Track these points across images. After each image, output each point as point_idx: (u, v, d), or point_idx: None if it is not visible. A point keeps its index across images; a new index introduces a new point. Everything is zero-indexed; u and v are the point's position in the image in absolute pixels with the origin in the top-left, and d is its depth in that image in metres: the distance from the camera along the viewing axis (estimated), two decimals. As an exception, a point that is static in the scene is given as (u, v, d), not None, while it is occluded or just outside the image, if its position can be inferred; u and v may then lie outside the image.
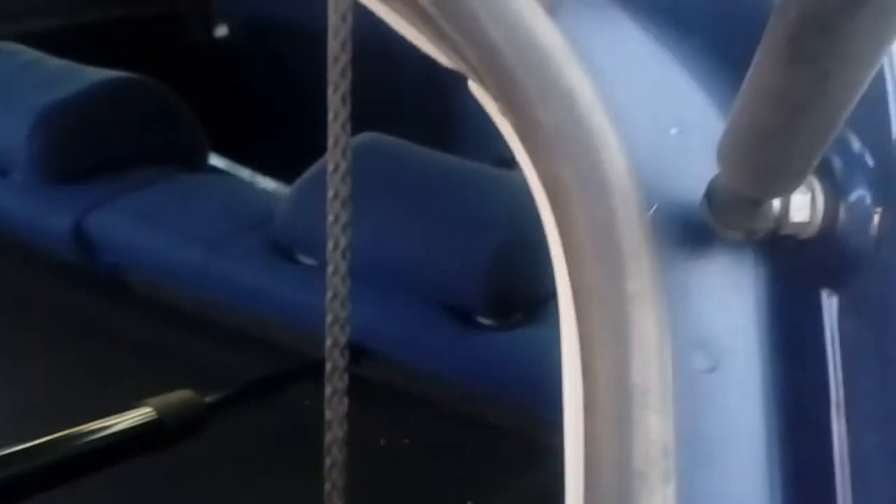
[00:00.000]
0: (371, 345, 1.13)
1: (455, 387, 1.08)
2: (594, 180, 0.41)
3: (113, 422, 0.76)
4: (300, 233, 1.15)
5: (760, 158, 0.36)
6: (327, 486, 0.27)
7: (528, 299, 1.09)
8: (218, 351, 1.11)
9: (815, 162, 0.37)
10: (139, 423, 0.76)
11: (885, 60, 0.44)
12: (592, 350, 0.42)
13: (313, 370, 1.15)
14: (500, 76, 0.41)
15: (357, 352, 1.16)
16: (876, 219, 0.41)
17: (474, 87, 0.49)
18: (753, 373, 0.44)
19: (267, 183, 1.85)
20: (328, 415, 0.27)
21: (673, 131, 0.45)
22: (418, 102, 1.71)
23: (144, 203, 1.29)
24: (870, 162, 0.42)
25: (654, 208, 0.43)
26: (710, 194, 0.42)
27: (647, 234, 0.42)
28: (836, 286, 0.42)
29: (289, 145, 1.49)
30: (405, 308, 1.11)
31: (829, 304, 0.42)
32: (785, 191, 0.40)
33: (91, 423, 0.76)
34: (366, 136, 1.19)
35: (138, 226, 1.27)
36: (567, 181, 0.41)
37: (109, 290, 1.28)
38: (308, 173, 1.15)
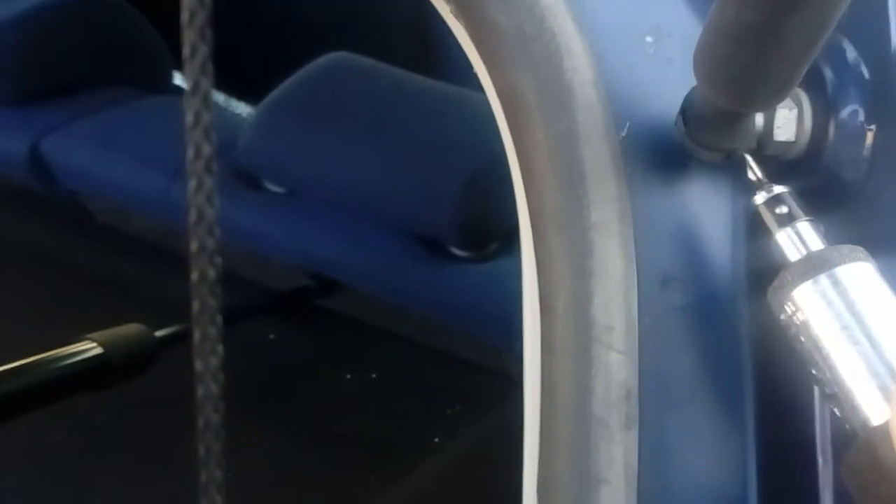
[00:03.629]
0: (339, 277, 1.09)
1: (426, 320, 1.04)
2: (556, 91, 0.36)
3: (54, 356, 0.71)
4: (265, 158, 1.09)
5: (740, 65, 0.32)
6: (203, 476, 0.22)
7: (503, 229, 1.04)
8: (179, 282, 1.06)
9: (803, 71, 0.32)
10: (83, 357, 0.72)
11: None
12: (551, 283, 0.38)
13: (279, 302, 1.12)
14: (449, -30, 0.36)
15: (326, 284, 1.13)
16: (869, 137, 0.37)
17: (426, -12, 0.44)
18: (730, 309, 0.39)
19: (241, 108, 1.78)
20: (198, 366, 0.22)
21: (648, 39, 0.40)
22: (404, 25, 1.63)
23: (104, 126, 1.23)
24: (865, 74, 0.38)
25: (626, 128, 0.39)
26: (686, 109, 0.37)
27: (615, 155, 0.37)
28: (823, 213, 0.38)
29: (260, 68, 1.42)
30: (375, 238, 1.07)
31: (815, 234, 0.38)
32: (768, 104, 0.35)
33: (31, 358, 0.71)
34: (334, 56, 1.13)
35: (97, 150, 1.21)
36: (525, 91, 0.36)
37: (67, 218, 1.23)
38: (271, 96, 1.09)
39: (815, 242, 0.34)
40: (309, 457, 0.92)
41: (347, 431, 0.93)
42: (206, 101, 0.20)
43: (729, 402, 0.39)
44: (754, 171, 0.37)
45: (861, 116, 0.37)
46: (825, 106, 0.38)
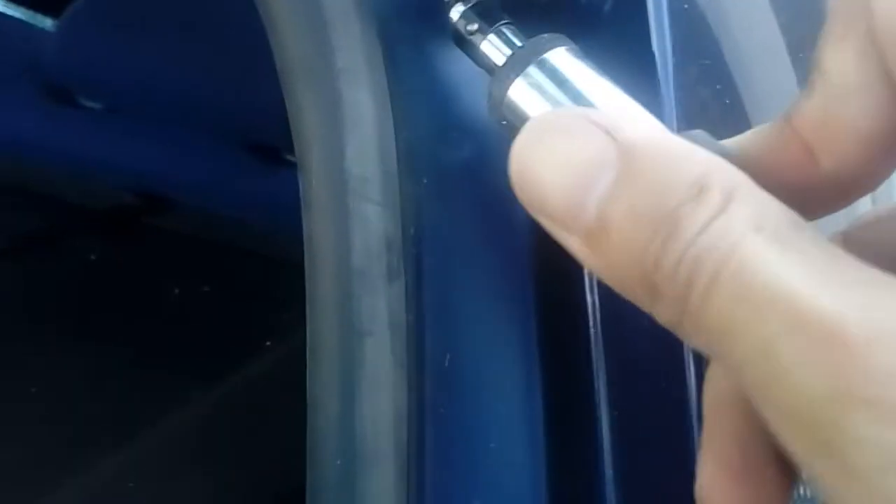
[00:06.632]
0: (168, 193, 1.04)
1: (263, 230, 1.01)
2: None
3: None
4: (73, 72, 1.02)
5: None
6: None
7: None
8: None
9: None
10: None
11: None
12: (303, 139, 0.36)
13: (102, 222, 1.06)
14: None
15: (154, 202, 1.08)
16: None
17: None
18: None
19: (48, 23, 1.65)
20: None
21: None
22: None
23: None
24: None
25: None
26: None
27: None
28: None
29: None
30: (203, 151, 1.02)
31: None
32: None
33: None
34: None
35: None
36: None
37: None
38: (75, 4, 1.01)
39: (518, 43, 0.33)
40: (131, 369, 0.89)
41: (173, 341, 0.90)
42: None
43: (516, 253, 0.39)
44: None
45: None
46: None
